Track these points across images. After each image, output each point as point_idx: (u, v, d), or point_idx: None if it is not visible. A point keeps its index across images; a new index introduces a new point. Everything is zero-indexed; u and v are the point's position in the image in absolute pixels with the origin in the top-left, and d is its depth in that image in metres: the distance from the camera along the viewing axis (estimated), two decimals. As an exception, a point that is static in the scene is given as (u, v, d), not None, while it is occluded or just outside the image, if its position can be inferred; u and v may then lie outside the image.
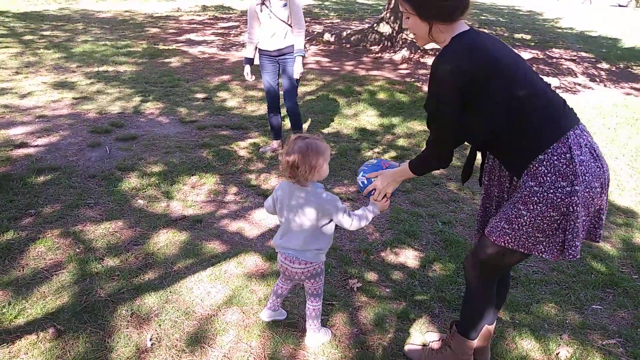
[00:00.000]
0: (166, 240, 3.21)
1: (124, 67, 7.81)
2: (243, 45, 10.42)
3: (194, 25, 12.57)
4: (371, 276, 3.04)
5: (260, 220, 3.58)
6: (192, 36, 11.06)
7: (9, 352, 2.24)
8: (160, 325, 2.49)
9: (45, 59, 7.97)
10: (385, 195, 2.24)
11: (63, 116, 5.40)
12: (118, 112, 5.70)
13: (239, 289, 2.80)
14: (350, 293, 2.86)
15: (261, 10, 4.35)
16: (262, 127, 5.50)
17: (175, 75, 7.53)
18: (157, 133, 5.12)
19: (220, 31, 11.98)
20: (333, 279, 2.98)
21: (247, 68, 4.61)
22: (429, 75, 1.88)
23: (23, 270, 2.79)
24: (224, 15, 14.80)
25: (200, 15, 14.49)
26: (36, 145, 4.53)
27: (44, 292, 2.63)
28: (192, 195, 3.88)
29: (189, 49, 9.57)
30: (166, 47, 9.52)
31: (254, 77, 4.65)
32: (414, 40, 1.98)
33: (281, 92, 4.72)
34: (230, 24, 13.24)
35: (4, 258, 2.88)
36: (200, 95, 6.58)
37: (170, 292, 2.73)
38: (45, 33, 10.11)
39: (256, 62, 4.61)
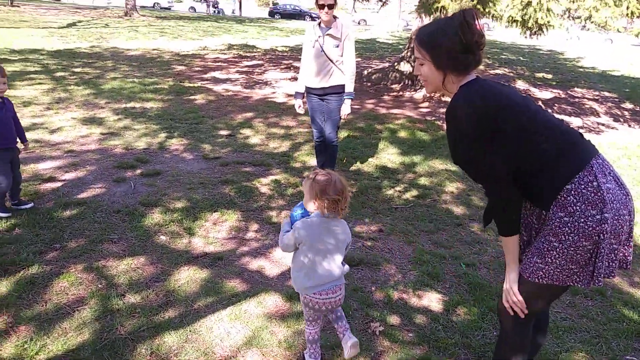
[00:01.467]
0: (187, 278, 3.21)
1: (151, 103, 8.03)
2: (266, 83, 10.67)
3: (219, 64, 12.93)
4: (394, 319, 2.97)
5: (281, 258, 3.57)
6: (217, 74, 11.37)
7: (29, 390, 2.23)
8: (179, 365, 2.46)
9: (75, 95, 8.25)
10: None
11: (91, 151, 5.54)
12: (144, 147, 5.83)
13: (259, 330, 2.76)
14: (372, 337, 2.80)
15: (313, 46, 4.46)
16: (284, 164, 5.55)
17: (200, 112, 7.71)
18: (181, 169, 5.21)
19: (244, 69, 12.30)
20: (354, 321, 2.92)
21: (298, 102, 4.74)
22: (446, 131, 1.93)
23: (46, 305, 2.81)
24: (248, 54, 15.22)
25: (225, 54, 14.93)
26: (63, 180, 4.63)
27: (65, 328, 2.63)
28: (214, 231, 3.89)
29: (213, 87, 9.82)
30: (192, 85, 9.78)
31: (303, 109, 4.76)
32: (423, 85, 2.03)
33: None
34: (254, 62, 13.60)
35: (28, 292, 2.90)
36: (223, 132, 6.70)
37: (190, 331, 2.71)
38: (76, 70, 10.51)
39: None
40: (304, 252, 2.27)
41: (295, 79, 11.27)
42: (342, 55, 4.46)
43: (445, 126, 7.44)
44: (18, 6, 29.63)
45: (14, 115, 3.87)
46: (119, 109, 7.49)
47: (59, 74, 9.97)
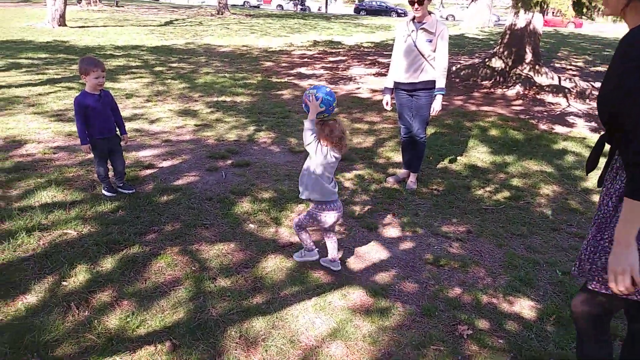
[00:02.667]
0: (274, 266, 3.29)
1: (241, 97, 8.33)
2: (351, 79, 10.68)
3: (305, 60, 13.14)
4: (482, 324, 2.85)
5: (365, 253, 3.55)
6: (303, 70, 11.55)
7: (131, 359, 2.40)
8: (266, 350, 2.53)
9: (172, 88, 8.76)
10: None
11: (185, 141, 5.86)
12: (234, 139, 6.06)
13: (343, 323, 2.77)
14: (459, 340, 2.71)
15: (405, 41, 4.41)
16: (368, 159, 5.52)
17: (287, 106, 7.88)
18: (269, 161, 5.35)
19: (329, 65, 12.40)
20: (441, 323, 2.84)
21: (387, 97, 4.68)
22: (612, 62, 1.75)
23: (145, 283, 3.01)
24: (333, 50, 15.32)
25: (310, 50, 15.14)
26: (161, 167, 4.93)
27: (162, 305, 2.80)
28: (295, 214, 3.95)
29: (299, 82, 9.99)
30: (279, 80, 10.03)
31: (391, 106, 4.72)
32: (603, 5, 1.83)
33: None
34: (339, 58, 13.66)
35: (129, 270, 3.13)
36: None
37: (277, 318, 2.77)
38: (173, 65, 11.15)
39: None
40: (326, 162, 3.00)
41: (380, 74, 11.17)
42: (434, 51, 4.34)
43: (540, 125, 6.93)
44: (122, 6, 32.02)
45: (113, 106, 4.12)
46: (211, 102, 7.84)
47: (157, 68, 10.64)
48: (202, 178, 4.74)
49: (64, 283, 2.93)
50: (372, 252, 3.56)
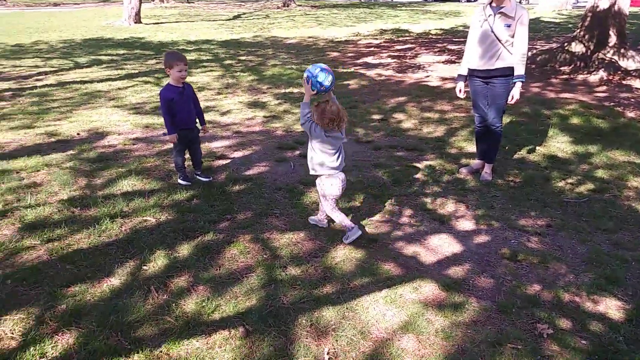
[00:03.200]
0: (343, 256, 3.29)
1: (307, 88, 8.37)
2: (419, 67, 10.45)
3: (371, 49, 13.00)
4: (564, 323, 2.70)
5: (437, 246, 3.47)
6: (369, 59, 11.44)
7: (207, 343, 2.49)
8: (337, 340, 2.54)
9: (241, 81, 8.97)
10: None
11: (255, 132, 5.99)
12: (301, 130, 6.10)
13: (414, 316, 2.72)
14: (538, 339, 2.58)
15: (481, 26, 4.26)
16: (438, 150, 5.38)
17: (353, 96, 7.84)
18: (336, 151, 5.35)
19: (396, 54, 12.19)
20: (519, 320, 2.72)
21: (460, 84, 4.55)
22: None
23: (219, 269, 3.11)
24: (400, 39, 15.04)
25: (377, 39, 14.95)
26: (233, 158, 5.07)
27: (236, 292, 2.89)
28: (368, 213, 3.93)
29: (366, 72, 9.91)
30: (345, 70, 9.99)
31: (465, 94, 4.59)
32: None
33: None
34: (407, 46, 13.40)
35: (204, 256, 3.24)
36: (376, 117, 6.73)
37: (347, 308, 2.77)
38: (241, 58, 11.42)
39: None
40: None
41: (450, 62, 10.84)
42: (512, 37, 4.13)
43: (627, 113, 6.49)
44: (192, 2, 33.21)
45: (194, 99, 4.30)
46: (279, 94, 7.95)
47: (227, 61, 10.94)
48: (271, 168, 4.82)
49: (145, 267, 3.09)
50: (444, 246, 3.47)
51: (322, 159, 3.37)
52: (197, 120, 4.36)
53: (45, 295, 2.79)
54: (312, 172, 3.46)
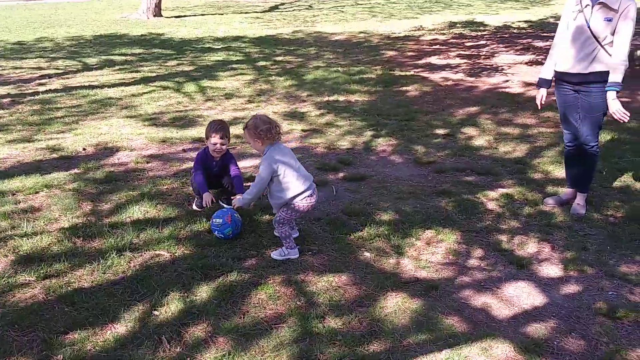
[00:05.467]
0: (395, 306, 3.30)
1: (356, 96, 8.49)
2: (496, 69, 10.40)
3: (437, 47, 13.05)
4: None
5: (513, 297, 3.42)
6: (434, 59, 11.48)
7: (225, 407, 2.55)
8: (384, 411, 2.54)
9: (277, 86, 9.19)
10: None
11: (292, 149, 6.09)
12: (347, 147, 6.19)
13: (483, 385, 2.69)
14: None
15: (574, 18, 4.23)
16: (519, 174, 5.32)
17: (413, 106, 7.87)
18: (389, 174, 5.38)
19: (467, 53, 12.18)
20: (618, 395, 2.64)
21: (542, 91, 4.55)
22: None
23: (244, 317, 3.18)
24: (473, 34, 15.02)
25: (444, 34, 15.00)
26: (263, 180, 5.19)
27: (262, 346, 2.94)
28: (427, 253, 3.93)
29: (429, 75, 9.94)
30: (403, 73, 10.06)
31: (544, 104, 4.60)
32: None
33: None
34: (481, 43, 13.37)
35: (226, 301, 3.33)
36: (440, 131, 6.72)
37: (398, 372, 2.77)
38: (278, 58, 11.71)
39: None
40: (282, 174, 3.68)
41: (537, 63, 10.72)
42: (612, 34, 4.07)
43: None
44: (222, -9, 34.33)
45: (233, 168, 4.54)
46: (322, 103, 8.09)
47: (260, 63, 11.25)
48: (309, 194, 4.90)
49: (155, 312, 3.20)
50: (522, 296, 3.42)
51: (294, 182, 3.74)
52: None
53: (40, 342, 2.93)
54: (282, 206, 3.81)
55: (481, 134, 6.61)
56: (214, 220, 4.03)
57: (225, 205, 4.50)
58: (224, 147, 4.42)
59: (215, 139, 4.35)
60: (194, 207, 4.53)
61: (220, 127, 4.41)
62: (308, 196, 3.76)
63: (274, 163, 3.68)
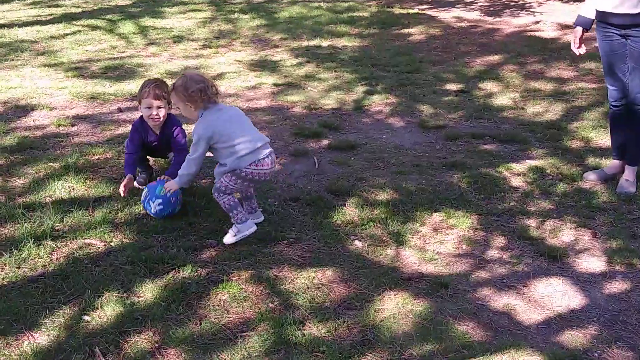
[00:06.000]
0: (394, 308, 3.33)
1: (344, 40, 8.45)
2: (523, 7, 10.40)
3: (448, -23, 13.01)
4: None
5: (543, 296, 3.48)
6: (444, -7, 11.45)
7: None
8: None
9: (240, 27, 9.12)
10: None
11: (260, 110, 6.08)
12: (332, 107, 6.18)
13: (504, 407, 2.75)
14: None
15: None
16: (552, 142, 5.37)
17: (417, 54, 7.86)
18: (386, 142, 5.40)
19: (487, -15, 12.17)
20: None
21: (578, 32, 4.59)
22: None
23: (200, 323, 3.19)
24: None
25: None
26: (224, 149, 5.18)
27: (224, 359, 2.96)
28: (435, 242, 3.96)
29: (437, 14, 9.92)
30: (404, 11, 10.03)
31: (584, 48, 4.63)
32: None
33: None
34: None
35: (178, 303, 3.33)
36: (452, 87, 6.74)
37: (398, 391, 2.82)
38: (242, -9, 11.59)
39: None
40: (224, 139, 3.72)
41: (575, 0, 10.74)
42: None
43: None
44: None
45: (174, 132, 4.45)
46: (300, 49, 8.05)
47: (219, -4, 11.12)
48: (284, 167, 4.90)
49: (86, 318, 3.19)
50: (555, 296, 3.48)
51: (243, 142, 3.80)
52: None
53: (-63, 355, 2.92)
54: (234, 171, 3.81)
55: (504, 91, 6.63)
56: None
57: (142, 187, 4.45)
58: (161, 112, 4.28)
59: (147, 102, 4.22)
60: (135, 184, 4.50)
61: (154, 86, 4.27)
62: (259, 160, 3.79)
63: (209, 129, 3.73)
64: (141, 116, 4.39)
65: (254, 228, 3.85)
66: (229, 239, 3.83)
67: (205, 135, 3.71)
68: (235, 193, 3.89)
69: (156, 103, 4.23)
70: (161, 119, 4.30)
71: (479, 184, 4.66)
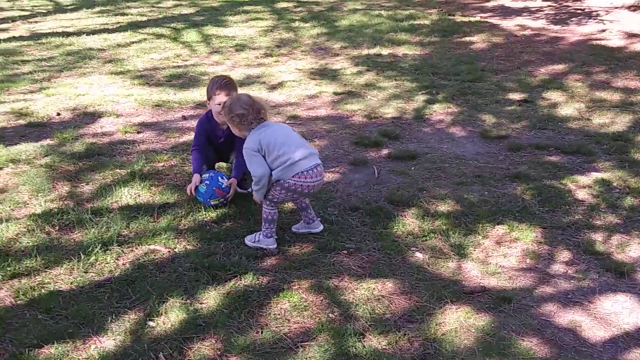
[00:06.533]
0: (455, 322, 3.30)
1: (404, 48, 8.43)
2: (589, 15, 10.21)
3: (511, -16, 12.87)
4: None
5: (610, 314, 3.40)
6: (507, 1, 11.33)
7: None
8: None
9: (301, 35, 9.18)
10: None
11: (320, 118, 6.11)
12: (393, 116, 6.17)
13: None
14: None
15: None
16: (618, 154, 5.27)
17: (479, 62, 7.79)
18: (448, 152, 5.37)
19: (552, -8, 11.99)
20: None
21: None
22: None
23: (262, 332, 3.22)
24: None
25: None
26: (285, 157, 5.22)
27: (285, 368, 2.98)
28: (497, 255, 3.92)
29: (500, 22, 9.81)
30: (466, 19, 9.96)
31: None
32: None
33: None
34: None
35: (240, 310, 3.36)
36: (515, 96, 6.66)
37: (459, 406, 2.79)
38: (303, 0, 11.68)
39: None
40: (269, 154, 3.77)
41: (643, 7, 10.52)
42: None
43: None
44: None
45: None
46: (360, 57, 8.06)
47: (280, 4, 11.24)
48: (343, 176, 4.92)
49: (151, 323, 3.25)
50: (622, 313, 3.40)
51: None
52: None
53: (8, 357, 3.00)
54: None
55: (569, 101, 6.53)
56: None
57: (240, 190, 4.52)
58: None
59: (219, 97, 4.30)
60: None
61: (225, 83, 4.38)
62: (304, 172, 3.80)
63: (256, 142, 3.81)
64: (206, 113, 4.53)
65: (274, 246, 3.95)
66: (248, 240, 4.01)
67: (255, 148, 3.80)
68: (283, 203, 4.13)
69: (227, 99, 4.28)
70: None
71: (543, 196, 4.60)
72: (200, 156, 4.48)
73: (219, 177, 4.32)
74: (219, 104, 4.24)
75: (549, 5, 10.89)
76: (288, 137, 3.92)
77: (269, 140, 3.78)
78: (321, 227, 4.14)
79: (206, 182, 4.29)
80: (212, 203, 4.31)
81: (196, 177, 4.33)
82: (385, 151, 5.38)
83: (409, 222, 4.26)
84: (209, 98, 4.41)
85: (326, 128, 5.86)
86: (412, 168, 5.07)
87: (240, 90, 4.62)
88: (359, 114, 6.23)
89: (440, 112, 6.28)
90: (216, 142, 4.56)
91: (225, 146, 4.60)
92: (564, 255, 3.93)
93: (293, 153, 3.79)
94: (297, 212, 4.14)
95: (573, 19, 10.00)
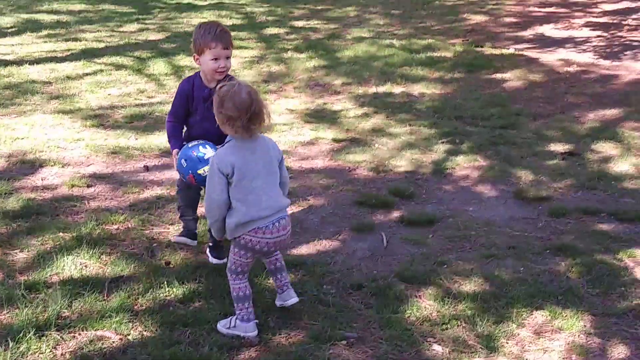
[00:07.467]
0: None
1: (421, 86, 8.48)
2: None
3: (552, 8, 13.01)
4: None
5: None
6: (547, 29, 11.45)
7: None
8: None
9: (294, 68, 9.24)
10: None
11: (316, 171, 6.09)
12: (406, 170, 6.17)
13: None
14: None
15: None
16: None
17: (513, 105, 7.83)
18: (474, 216, 5.35)
19: (602, 20, 12.12)
20: None
21: None
22: None
23: None
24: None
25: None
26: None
27: None
28: (536, 350, 3.86)
29: (539, 55, 9.89)
30: (497, 52, 10.04)
31: None
32: None
33: None
34: (625, 5, 13.28)
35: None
36: (558, 147, 6.67)
37: None
38: (297, 24, 11.79)
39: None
40: (234, 183, 3.68)
41: None
42: None
43: None
44: None
45: None
46: (366, 96, 8.10)
47: (269, 30, 11.34)
48: (344, 244, 4.89)
49: None
50: None
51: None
52: None
53: None
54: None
55: (624, 154, 6.53)
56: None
57: (213, 260, 4.49)
58: (229, 64, 4.30)
59: (215, 51, 4.18)
60: (176, 238, 4.53)
61: (221, 31, 4.26)
62: (264, 227, 3.74)
63: (223, 170, 3.69)
64: (192, 76, 4.50)
65: (254, 333, 3.82)
66: (221, 326, 3.89)
67: (223, 169, 3.67)
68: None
69: (225, 53, 4.24)
70: (226, 72, 4.32)
71: (593, 274, 4.55)
72: (179, 124, 4.47)
73: (200, 147, 4.21)
74: (215, 60, 4.20)
75: (598, 36, 10.98)
76: (263, 171, 3.79)
77: (239, 171, 3.67)
78: (296, 299, 4.01)
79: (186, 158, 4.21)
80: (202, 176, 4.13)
81: (176, 153, 4.31)
82: (396, 214, 5.35)
83: (425, 305, 4.20)
84: (199, 52, 4.28)
85: (323, 183, 5.84)
86: (430, 236, 5.04)
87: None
88: (364, 166, 6.22)
89: (465, 165, 6.26)
90: (201, 106, 4.39)
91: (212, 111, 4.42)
92: (619, 350, 3.87)
93: (261, 200, 3.71)
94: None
95: (627, 52, 10.07)
